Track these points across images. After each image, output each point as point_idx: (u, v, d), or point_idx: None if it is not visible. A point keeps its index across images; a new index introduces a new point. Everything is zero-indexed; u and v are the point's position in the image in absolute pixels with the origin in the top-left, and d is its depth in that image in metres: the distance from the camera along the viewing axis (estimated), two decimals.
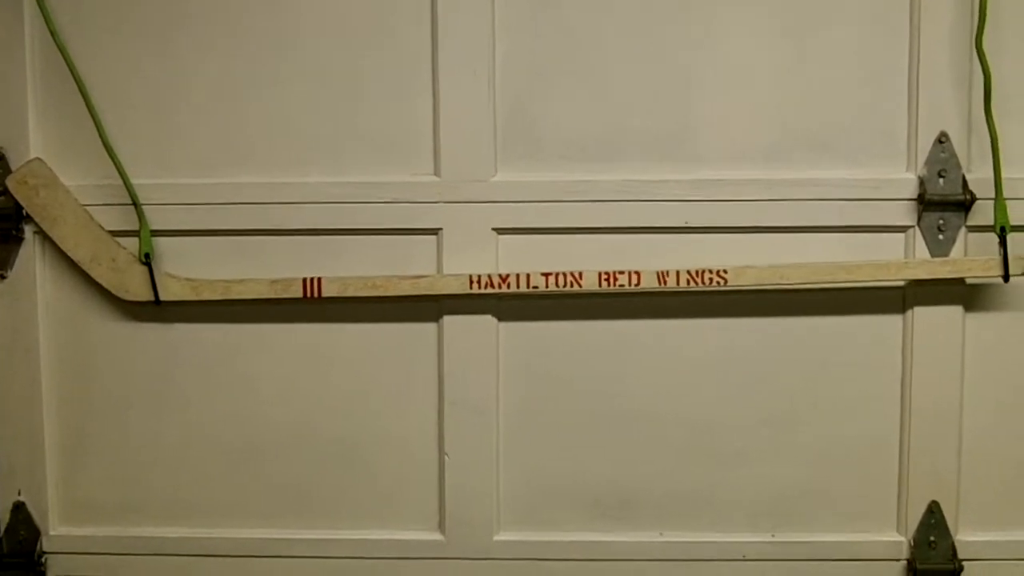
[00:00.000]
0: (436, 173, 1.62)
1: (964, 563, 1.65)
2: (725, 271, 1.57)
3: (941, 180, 1.59)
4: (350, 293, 1.59)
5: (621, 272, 1.57)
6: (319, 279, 1.60)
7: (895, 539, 1.67)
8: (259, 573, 1.72)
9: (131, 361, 1.70)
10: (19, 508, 1.72)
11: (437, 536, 1.70)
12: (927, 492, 1.65)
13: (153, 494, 1.73)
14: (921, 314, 1.62)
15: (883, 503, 1.67)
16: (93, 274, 1.64)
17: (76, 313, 1.69)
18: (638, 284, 1.57)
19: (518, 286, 1.58)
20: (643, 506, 1.69)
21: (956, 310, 1.62)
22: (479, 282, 1.58)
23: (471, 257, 1.62)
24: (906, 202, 1.60)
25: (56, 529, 1.74)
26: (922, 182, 1.59)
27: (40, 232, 1.65)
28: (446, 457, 1.67)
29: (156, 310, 1.66)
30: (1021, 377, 1.65)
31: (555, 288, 1.58)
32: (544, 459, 1.68)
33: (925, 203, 1.58)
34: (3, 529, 1.73)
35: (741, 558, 1.68)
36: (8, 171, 1.63)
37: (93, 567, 1.74)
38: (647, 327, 1.65)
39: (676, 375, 1.66)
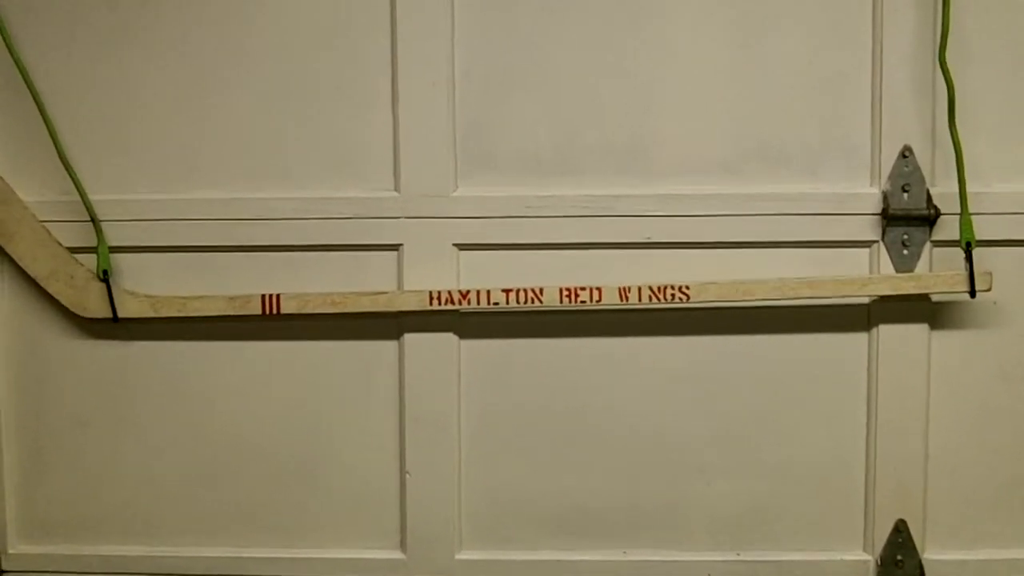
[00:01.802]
0: (396, 188, 1.64)
1: None
2: (687, 287, 1.58)
3: (905, 195, 1.60)
4: (309, 310, 1.61)
5: (582, 288, 1.59)
6: (278, 296, 1.62)
7: (862, 558, 1.69)
8: None
9: (89, 378, 1.72)
10: None
11: (398, 555, 1.72)
12: (894, 510, 1.67)
13: (112, 512, 1.75)
14: (886, 331, 1.64)
15: (849, 521, 1.69)
16: (51, 290, 1.67)
17: (34, 329, 1.72)
18: (599, 300, 1.59)
19: (479, 302, 1.60)
20: (606, 524, 1.70)
21: (921, 328, 1.64)
22: (439, 298, 1.60)
23: (432, 273, 1.64)
24: (870, 217, 1.62)
25: (15, 547, 1.77)
26: (886, 196, 1.61)
27: None
28: (407, 475, 1.69)
29: (115, 327, 1.68)
30: (987, 395, 1.66)
31: (516, 304, 1.59)
32: (506, 477, 1.70)
33: (889, 218, 1.60)
34: None
35: None
36: None
37: None
38: (609, 344, 1.67)
39: (639, 392, 1.68)
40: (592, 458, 1.69)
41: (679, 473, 1.69)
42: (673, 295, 1.59)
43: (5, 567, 1.76)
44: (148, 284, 1.68)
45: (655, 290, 1.59)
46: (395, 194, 1.64)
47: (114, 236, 1.66)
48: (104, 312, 1.65)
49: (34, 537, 1.77)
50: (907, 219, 1.61)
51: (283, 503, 1.73)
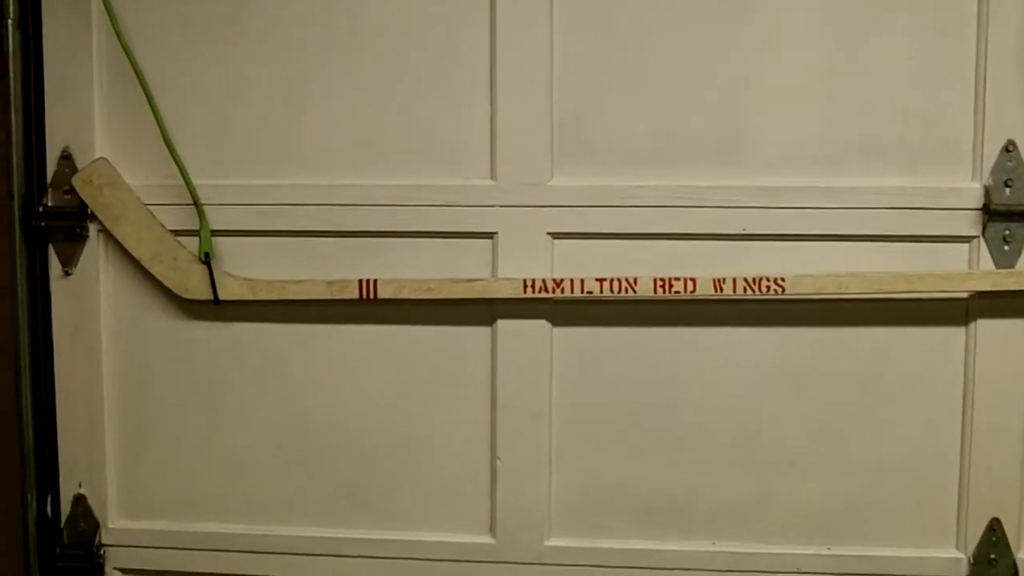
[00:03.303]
0: (492, 177, 1.67)
1: None
2: (783, 279, 1.60)
3: (1007, 190, 1.60)
4: (405, 295, 1.65)
5: (676, 279, 1.61)
6: (375, 281, 1.66)
7: (954, 556, 1.69)
8: (310, 571, 1.78)
9: (190, 359, 1.78)
10: (79, 500, 1.81)
11: (488, 539, 1.75)
12: (988, 508, 1.67)
13: (209, 491, 1.81)
14: (985, 327, 1.64)
15: (942, 519, 1.69)
16: (154, 272, 1.72)
17: (137, 310, 1.78)
18: (694, 291, 1.61)
19: (572, 291, 1.63)
20: (695, 515, 1.72)
21: (1021, 324, 1.64)
22: (533, 286, 1.63)
23: (526, 261, 1.67)
24: (970, 212, 1.62)
25: (115, 522, 1.83)
26: (987, 191, 1.61)
27: (104, 230, 1.74)
28: (498, 461, 1.72)
29: (215, 309, 1.73)
30: None
31: (610, 294, 1.62)
32: (596, 465, 1.72)
33: (990, 213, 1.60)
34: (64, 521, 1.82)
35: (795, 571, 1.70)
36: (74, 171, 1.72)
37: (150, 560, 1.82)
38: (702, 335, 1.68)
39: (731, 384, 1.69)
40: (683, 449, 1.71)
41: (770, 466, 1.70)
42: (768, 287, 1.60)
43: (104, 541, 1.83)
44: (247, 267, 1.72)
45: (750, 282, 1.60)
46: (491, 182, 1.67)
47: (216, 220, 1.71)
48: (205, 294, 1.70)
49: (133, 513, 1.83)
50: (1009, 215, 1.61)
51: (376, 486, 1.77)
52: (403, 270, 1.69)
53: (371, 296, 1.66)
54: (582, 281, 1.63)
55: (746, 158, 1.64)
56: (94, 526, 1.82)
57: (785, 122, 1.64)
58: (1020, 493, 1.66)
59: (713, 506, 1.72)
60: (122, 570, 1.84)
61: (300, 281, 1.69)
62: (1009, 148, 1.60)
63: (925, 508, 1.69)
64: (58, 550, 1.81)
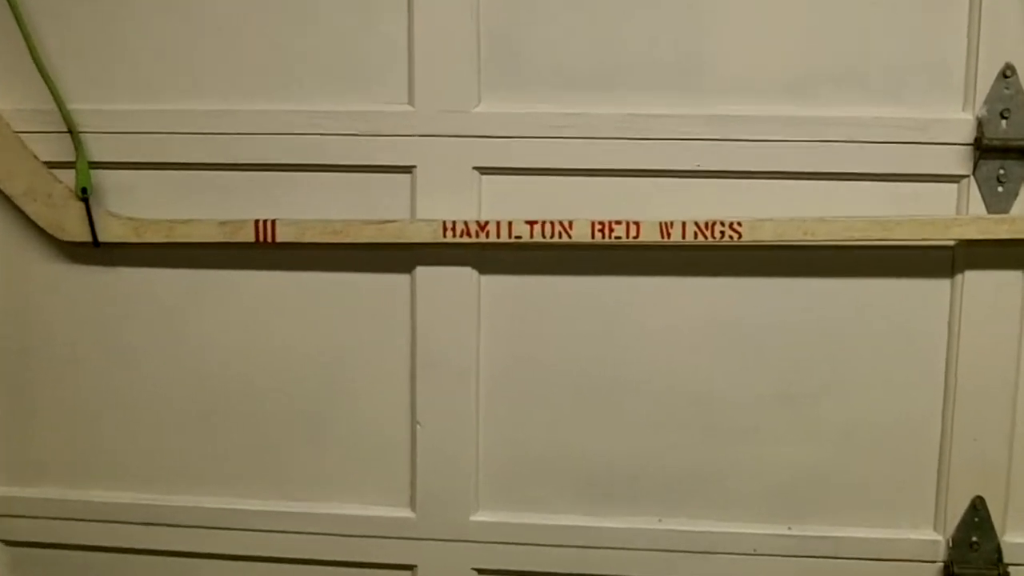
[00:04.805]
0: (410, 102, 1.53)
1: (1011, 568, 1.56)
2: (740, 224, 1.47)
3: (1004, 122, 1.46)
4: (308, 238, 1.52)
5: (618, 222, 1.48)
6: (273, 222, 1.52)
7: (932, 537, 1.58)
8: (212, 545, 1.68)
9: (74, 308, 1.64)
10: None
11: (408, 513, 1.65)
12: (971, 485, 1.56)
13: (103, 455, 1.69)
14: (972, 279, 1.51)
15: (919, 496, 1.58)
16: (27, 210, 1.57)
17: (12, 255, 1.64)
18: (638, 236, 1.48)
19: (500, 235, 1.49)
20: (641, 488, 1.61)
21: (1014, 276, 1.51)
22: (454, 229, 1.50)
23: (448, 200, 1.54)
24: (960, 147, 1.48)
25: (1, 490, 1.72)
26: (980, 124, 1.46)
27: None
28: (418, 426, 1.61)
29: (97, 252, 1.59)
30: None
31: (542, 238, 1.49)
32: (530, 431, 1.61)
33: (983, 149, 1.46)
34: None
35: (752, 552, 1.60)
36: None
37: (39, 532, 1.71)
38: (649, 285, 1.56)
39: (683, 340, 1.57)
40: (627, 413, 1.60)
41: (726, 434, 1.59)
42: (723, 232, 1.47)
43: None
44: (134, 205, 1.58)
45: (702, 226, 1.47)
46: (408, 108, 1.53)
47: (97, 150, 1.57)
48: (83, 235, 1.56)
49: (22, 479, 1.71)
50: (1004, 151, 1.46)
51: (283, 453, 1.66)
52: (308, 209, 1.56)
53: (270, 239, 1.52)
54: (511, 224, 1.49)
55: (702, 83, 1.50)
56: None
57: (748, 41, 1.49)
58: (1008, 468, 1.55)
59: (660, 477, 1.61)
60: (7, 542, 1.73)
61: (189, 221, 1.54)
62: (1007, 73, 1.45)
63: (900, 483, 1.58)
64: None
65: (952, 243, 1.50)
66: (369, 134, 1.53)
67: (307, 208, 1.56)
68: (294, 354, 1.62)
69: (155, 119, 1.56)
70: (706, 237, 1.47)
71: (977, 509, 1.55)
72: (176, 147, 1.56)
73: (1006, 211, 1.48)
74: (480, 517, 1.63)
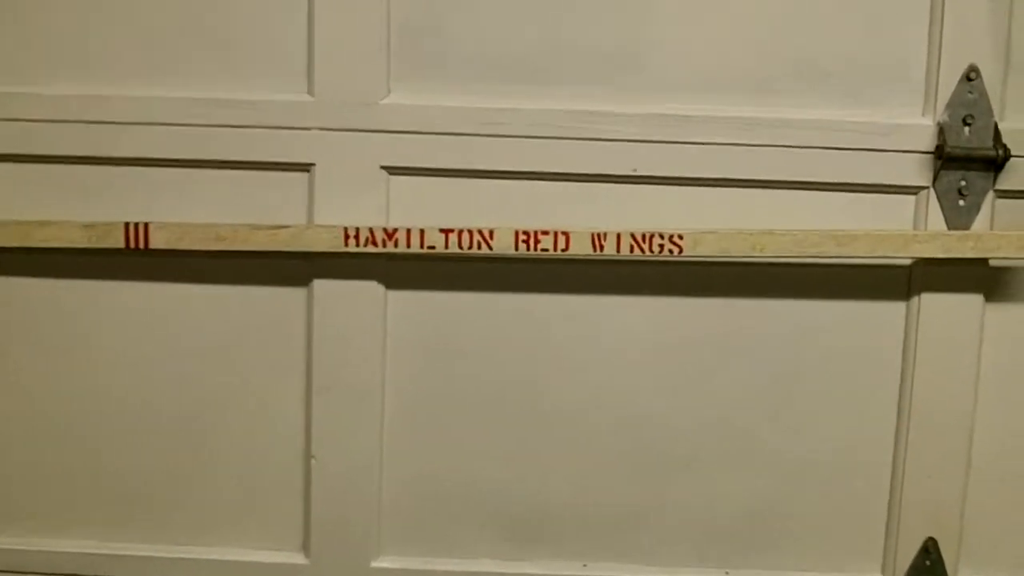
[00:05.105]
0: (309, 91, 1.42)
1: None
2: (681, 236, 1.38)
3: (967, 128, 1.39)
4: (187, 245, 1.38)
5: (545, 232, 1.38)
6: (146, 225, 1.37)
7: None
8: None
9: None
10: None
11: (300, 559, 1.52)
12: (923, 525, 1.49)
13: None
14: (930, 302, 1.44)
15: (868, 536, 1.52)
16: None
17: None
18: (567, 249, 1.38)
19: (410, 244, 1.38)
20: (563, 528, 1.52)
21: (974, 300, 1.44)
22: (358, 237, 1.37)
23: (352, 203, 1.42)
24: (919, 155, 1.42)
25: None
26: (942, 130, 1.40)
27: None
28: (313, 460, 1.48)
29: None
30: None
31: (459, 249, 1.38)
32: (441, 465, 1.51)
33: (945, 158, 1.38)
34: None
35: None
36: None
37: None
38: (578, 304, 1.47)
39: (615, 365, 1.48)
40: (550, 445, 1.50)
41: (659, 468, 1.51)
42: (662, 246, 1.38)
43: None
44: None
45: (639, 238, 1.38)
46: (307, 98, 1.42)
47: None
48: None
49: None
50: (967, 160, 1.39)
51: (158, 489, 1.52)
52: (189, 211, 1.42)
53: (142, 245, 1.37)
54: (423, 232, 1.38)
55: (643, 78, 1.42)
56: None
57: (695, 33, 1.41)
58: (961, 507, 1.49)
59: (586, 516, 1.52)
60: None
61: (48, 223, 1.38)
62: (971, 76, 1.39)
63: (848, 522, 1.52)
64: None
65: (908, 262, 1.43)
66: (261, 126, 1.41)
67: (187, 210, 1.43)
68: (170, 378, 1.49)
69: (11, 103, 1.41)
70: (643, 251, 1.38)
71: (929, 552, 1.49)
72: (36, 137, 1.42)
73: (966, 227, 1.41)
74: (382, 563, 1.52)
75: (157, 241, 1.36)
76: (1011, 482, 1.50)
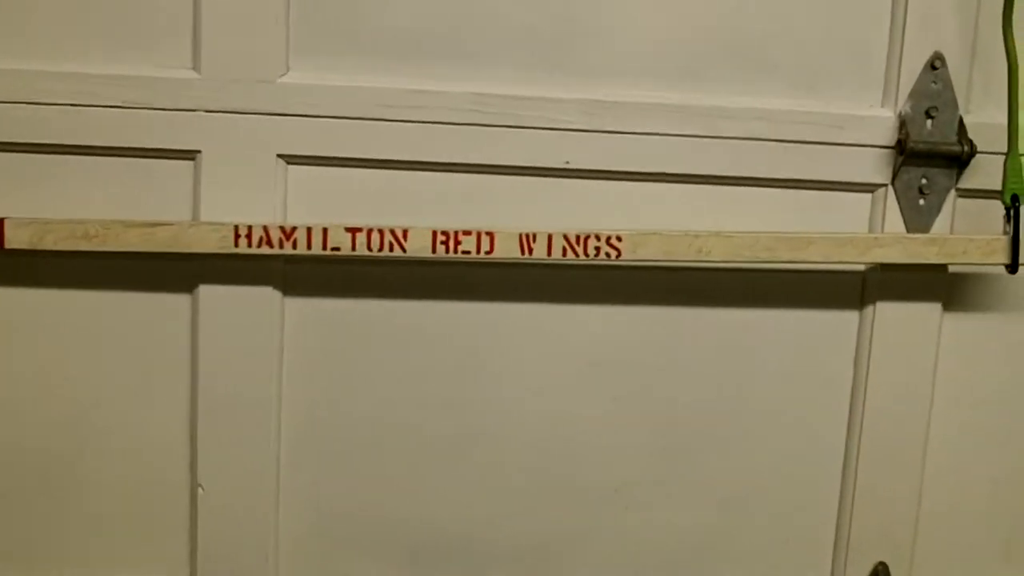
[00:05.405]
0: (194, 67, 1.24)
1: None
2: (620, 238, 1.26)
3: (930, 122, 1.30)
4: (50, 245, 1.20)
5: (466, 232, 1.25)
6: (1, 221, 1.19)
7: None
8: None
9: None
10: None
11: None
12: (873, 549, 1.42)
13: None
14: (885, 312, 1.36)
15: (813, 562, 1.44)
16: None
17: None
18: (491, 251, 1.26)
19: (310, 246, 1.22)
20: (479, 560, 1.41)
21: (932, 309, 1.36)
22: (250, 237, 1.21)
23: (244, 197, 1.26)
24: (878, 150, 1.32)
25: None
26: (903, 123, 1.30)
27: None
28: (200, 489, 1.33)
29: None
30: (1011, 404, 1.43)
31: (368, 251, 1.24)
32: (345, 493, 1.36)
33: (907, 153, 1.29)
34: None
35: None
36: None
37: None
38: (503, 313, 1.35)
39: (537, 381, 1.37)
40: (469, 469, 1.38)
41: (587, 494, 1.39)
42: (599, 248, 1.26)
43: None
44: None
45: (572, 240, 1.26)
46: (192, 75, 1.24)
47: None
48: None
49: None
50: (929, 156, 1.30)
51: (22, 523, 1.34)
52: (55, 206, 1.24)
53: None
54: (326, 231, 1.22)
55: (577, 60, 1.29)
56: None
57: (635, 12, 1.29)
58: (914, 532, 1.42)
59: (506, 549, 1.40)
60: None
61: None
62: (935, 64, 1.29)
63: (795, 548, 1.43)
64: None
65: (862, 267, 1.33)
66: (138, 106, 1.23)
67: (52, 204, 1.25)
68: (35, 398, 1.32)
69: None
70: (577, 254, 1.26)
71: None
72: None
73: (927, 228, 1.33)
74: None
75: (15, 240, 1.19)
76: (965, 503, 1.43)
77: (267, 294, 1.28)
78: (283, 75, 1.24)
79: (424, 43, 1.27)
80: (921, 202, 1.29)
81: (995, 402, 1.40)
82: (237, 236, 1.20)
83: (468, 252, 1.23)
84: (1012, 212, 1.25)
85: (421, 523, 1.38)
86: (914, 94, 1.28)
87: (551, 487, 1.38)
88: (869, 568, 1.40)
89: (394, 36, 1.26)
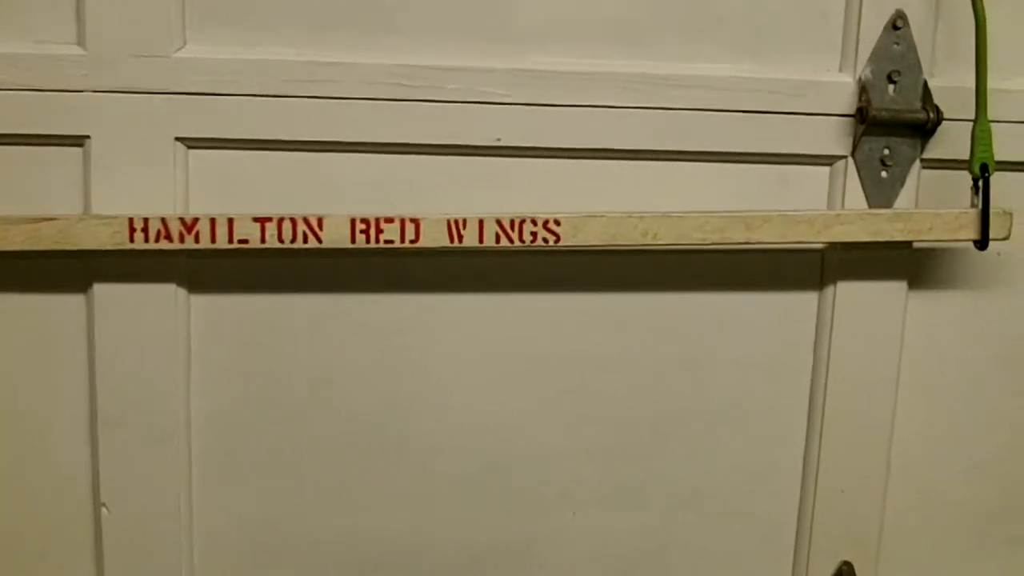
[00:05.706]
0: (79, 42, 1.12)
1: None
2: (558, 222, 1.16)
3: (892, 87, 1.21)
4: None
5: (389, 219, 1.13)
6: None
7: None
8: None
9: None
10: None
11: None
12: (838, 547, 1.35)
13: None
14: (846, 291, 1.27)
15: (774, 562, 1.36)
16: None
17: None
18: (416, 240, 1.15)
19: (215, 238, 1.11)
20: (413, 574, 1.30)
21: (897, 288, 1.28)
22: (147, 230, 1.10)
23: (139, 186, 1.14)
24: (837, 119, 1.22)
25: None
26: (864, 88, 1.21)
27: None
28: (104, 510, 1.21)
29: None
30: (980, 387, 1.35)
31: (279, 243, 1.13)
32: (263, 507, 1.25)
33: (867, 122, 1.19)
34: None
35: None
36: None
37: None
38: (430, 305, 1.24)
39: (472, 378, 1.27)
40: (402, 477, 1.27)
41: (528, 500, 1.30)
42: (535, 234, 1.16)
43: None
44: None
45: (506, 225, 1.16)
46: (78, 51, 1.12)
47: None
48: None
49: None
50: (892, 125, 1.20)
51: None
52: None
53: None
54: (231, 221, 1.11)
55: (507, 27, 1.19)
56: None
57: None
58: (880, 526, 1.34)
59: (443, 560, 1.30)
60: None
61: None
62: (897, 24, 1.20)
63: (753, 550, 1.35)
64: None
65: (821, 246, 1.25)
66: (17, 87, 1.11)
67: None
68: None
69: None
70: (512, 240, 1.15)
71: None
72: None
73: (890, 203, 1.23)
74: None
75: None
76: (935, 492, 1.36)
77: (170, 292, 1.16)
78: (179, 49, 1.12)
79: (336, 11, 1.16)
80: (884, 174, 1.21)
81: (964, 385, 1.33)
82: (132, 230, 1.08)
83: (391, 241, 1.12)
84: (981, 183, 1.16)
85: (350, 537, 1.28)
86: (874, 57, 1.19)
87: (491, 492, 1.29)
88: (833, 567, 1.34)
89: (303, 3, 1.15)
